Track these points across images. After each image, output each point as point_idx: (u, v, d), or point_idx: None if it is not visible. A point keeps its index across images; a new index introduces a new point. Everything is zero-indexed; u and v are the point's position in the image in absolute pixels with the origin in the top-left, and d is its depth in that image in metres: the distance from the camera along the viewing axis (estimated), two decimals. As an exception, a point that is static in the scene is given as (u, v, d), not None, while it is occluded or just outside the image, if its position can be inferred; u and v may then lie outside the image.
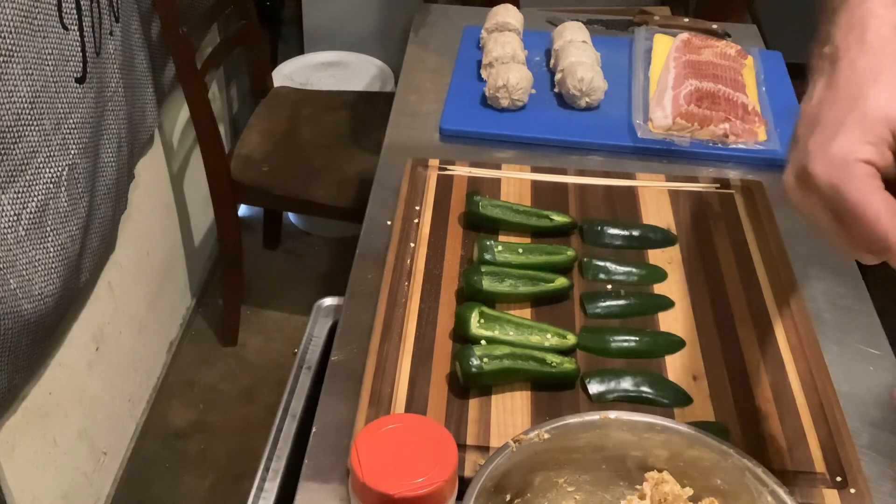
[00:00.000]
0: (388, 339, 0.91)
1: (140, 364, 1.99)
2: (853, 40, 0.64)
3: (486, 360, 0.85)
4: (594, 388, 0.87)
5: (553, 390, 0.87)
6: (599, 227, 1.06)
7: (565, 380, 0.87)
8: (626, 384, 0.87)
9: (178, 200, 2.14)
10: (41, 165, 1.30)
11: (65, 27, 1.33)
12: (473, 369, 0.84)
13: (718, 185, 1.15)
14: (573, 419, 0.75)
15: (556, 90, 1.37)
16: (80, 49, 1.38)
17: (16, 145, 1.23)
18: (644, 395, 0.87)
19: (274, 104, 2.17)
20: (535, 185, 1.14)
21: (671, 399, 0.86)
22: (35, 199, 1.29)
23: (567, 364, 0.87)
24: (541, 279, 0.97)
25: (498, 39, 1.39)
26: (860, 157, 0.60)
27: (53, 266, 1.35)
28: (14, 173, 1.24)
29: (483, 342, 0.88)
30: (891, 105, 0.61)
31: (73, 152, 1.38)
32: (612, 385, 0.87)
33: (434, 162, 1.16)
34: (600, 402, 0.86)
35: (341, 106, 2.17)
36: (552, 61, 1.42)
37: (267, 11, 2.63)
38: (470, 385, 0.86)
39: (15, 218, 1.25)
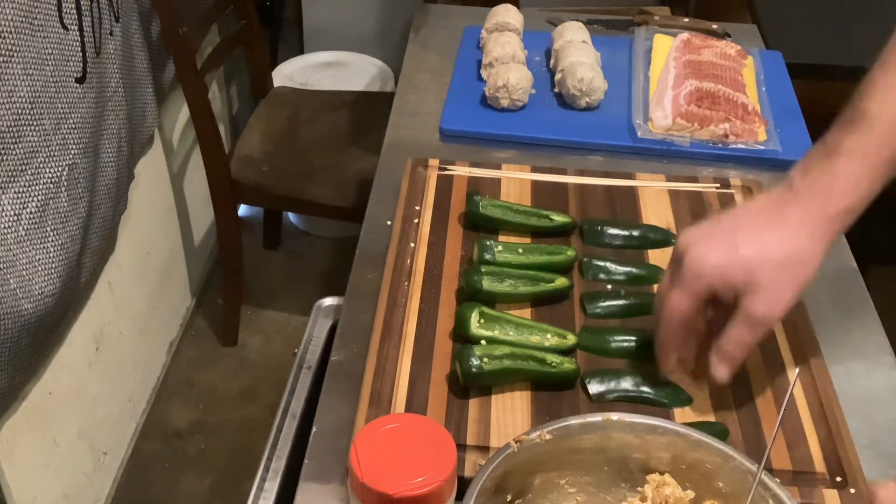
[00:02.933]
0: (388, 339, 0.91)
1: (140, 364, 1.99)
2: (814, 196, 0.77)
3: (486, 360, 0.85)
4: (594, 387, 0.87)
5: (553, 390, 0.87)
6: (599, 227, 1.06)
7: (565, 380, 0.87)
8: (626, 384, 0.87)
9: (178, 200, 2.14)
10: (41, 165, 1.30)
11: (65, 27, 1.33)
12: (474, 369, 0.84)
13: (718, 185, 1.15)
14: (575, 420, 0.75)
15: (556, 90, 1.37)
16: (80, 49, 1.38)
17: (16, 145, 1.23)
18: (644, 395, 0.87)
19: (274, 104, 2.17)
20: (535, 185, 1.14)
21: (671, 399, 0.86)
22: (35, 199, 1.29)
23: (567, 364, 0.87)
24: (541, 279, 0.97)
25: (498, 39, 1.39)
26: (708, 281, 0.77)
27: (53, 266, 1.35)
28: (14, 173, 1.24)
29: (483, 342, 0.88)
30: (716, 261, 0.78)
31: (73, 152, 1.38)
32: (612, 385, 0.87)
33: (434, 162, 1.16)
34: (600, 401, 0.86)
35: (341, 106, 2.17)
36: (552, 61, 1.42)
37: (267, 11, 2.63)
38: (470, 385, 0.86)
39: (15, 218, 1.25)
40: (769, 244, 0.76)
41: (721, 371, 0.80)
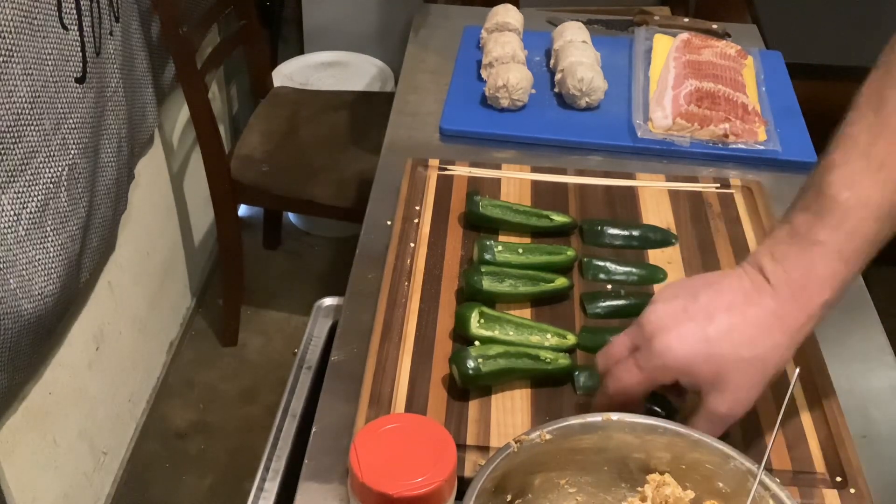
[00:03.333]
0: (388, 339, 0.91)
1: (140, 364, 1.99)
2: (788, 283, 0.73)
3: (481, 360, 0.85)
4: (581, 381, 0.87)
5: (551, 386, 0.87)
6: (599, 227, 1.06)
7: (560, 375, 0.87)
8: None
9: (178, 200, 2.14)
10: (41, 165, 1.30)
11: (65, 27, 1.33)
12: (471, 371, 0.84)
13: (718, 185, 1.15)
14: (575, 420, 0.75)
15: (556, 90, 1.37)
16: (79, 49, 1.38)
17: (16, 145, 1.23)
18: None
19: (274, 104, 2.17)
20: (535, 185, 1.14)
21: (657, 403, 0.86)
22: (35, 199, 1.29)
23: (562, 360, 0.87)
24: (541, 279, 0.97)
25: (498, 39, 1.39)
26: (671, 372, 0.75)
27: (53, 266, 1.35)
28: (14, 173, 1.24)
29: (477, 343, 0.88)
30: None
31: (73, 152, 1.38)
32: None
33: (434, 162, 1.16)
34: (587, 395, 0.86)
35: (341, 106, 2.17)
36: (552, 61, 1.42)
37: (267, 11, 2.63)
38: (468, 387, 0.86)
39: (15, 218, 1.25)
40: (742, 341, 0.72)
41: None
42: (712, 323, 0.73)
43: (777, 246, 0.74)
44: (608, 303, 0.97)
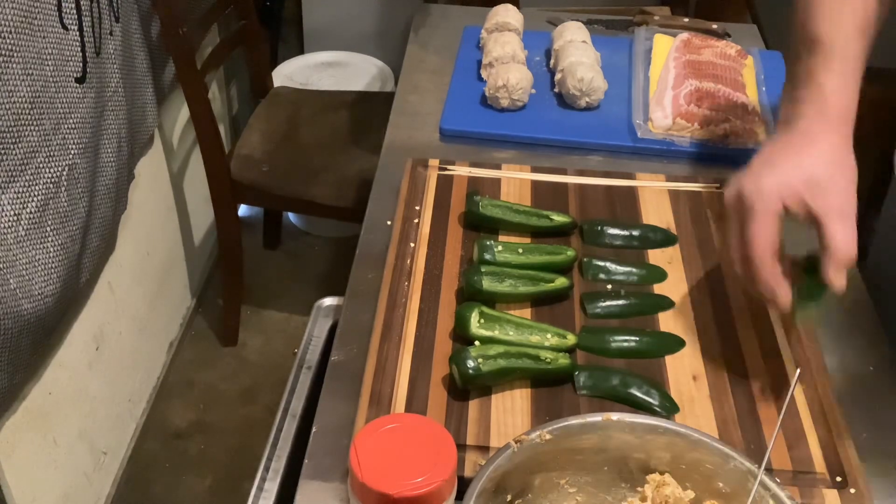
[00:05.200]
0: (388, 339, 0.91)
1: (140, 364, 1.99)
2: (813, 112, 0.86)
3: (481, 360, 0.85)
4: (581, 381, 0.87)
5: (551, 386, 0.87)
6: (599, 227, 1.06)
7: (561, 375, 0.87)
8: (615, 382, 0.87)
9: (178, 200, 2.14)
10: (41, 165, 1.30)
11: (65, 27, 1.33)
12: (471, 371, 0.84)
13: (718, 185, 1.15)
14: (575, 420, 0.75)
15: (556, 90, 1.37)
16: (80, 49, 1.38)
17: (16, 145, 1.23)
18: (631, 396, 0.86)
19: (274, 104, 2.17)
20: (535, 185, 1.14)
21: (658, 403, 0.86)
22: (35, 199, 1.29)
23: (562, 359, 0.87)
24: (541, 279, 0.97)
25: (498, 39, 1.39)
26: (776, 196, 0.82)
27: (53, 266, 1.35)
28: (14, 173, 1.24)
29: (477, 343, 0.88)
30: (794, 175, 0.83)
31: (73, 152, 1.38)
32: (601, 382, 0.87)
33: (434, 162, 1.16)
34: (588, 396, 0.86)
35: (341, 106, 2.17)
36: (552, 61, 1.42)
37: (267, 11, 2.63)
38: (468, 387, 0.86)
39: (15, 218, 1.25)
40: (811, 160, 0.83)
41: (841, 279, 0.81)
42: (777, 163, 0.84)
43: (787, 98, 0.90)
44: (608, 303, 0.97)
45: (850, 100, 0.86)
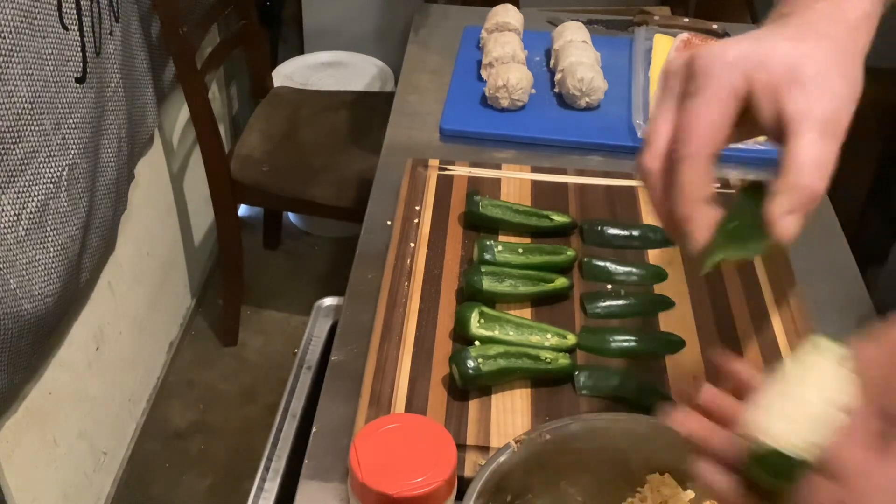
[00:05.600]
0: (388, 339, 0.91)
1: (140, 364, 1.99)
2: (824, 7, 0.62)
3: (481, 360, 0.85)
4: (581, 381, 0.87)
5: (552, 386, 0.87)
6: (599, 227, 1.06)
7: (561, 375, 0.87)
8: (615, 382, 0.87)
9: (178, 200, 2.14)
10: (41, 165, 1.30)
11: (65, 27, 1.33)
12: (471, 371, 0.84)
13: (718, 185, 1.15)
14: (575, 420, 0.75)
15: (556, 90, 1.37)
16: (80, 49, 1.38)
17: (16, 145, 1.23)
18: (631, 396, 0.86)
19: (274, 104, 2.17)
20: (535, 185, 1.14)
21: (657, 404, 0.86)
22: (35, 199, 1.29)
23: (562, 359, 0.87)
24: (541, 279, 0.97)
25: (498, 39, 1.39)
26: (740, 71, 0.57)
27: (53, 266, 1.35)
28: (14, 173, 1.24)
29: (477, 343, 0.88)
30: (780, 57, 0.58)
31: (73, 152, 1.38)
32: (601, 382, 0.87)
33: (434, 162, 1.16)
34: (588, 396, 0.86)
35: (341, 106, 2.17)
36: (552, 61, 1.42)
37: (267, 11, 2.63)
38: (468, 387, 0.86)
39: (15, 218, 1.25)
40: (805, 48, 0.58)
41: (788, 221, 0.55)
42: (762, 38, 0.60)
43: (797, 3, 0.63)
44: (608, 303, 0.97)
45: (870, 29, 0.62)
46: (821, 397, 0.50)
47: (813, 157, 0.54)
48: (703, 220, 0.57)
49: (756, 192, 0.59)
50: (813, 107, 0.55)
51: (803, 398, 0.50)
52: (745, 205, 0.58)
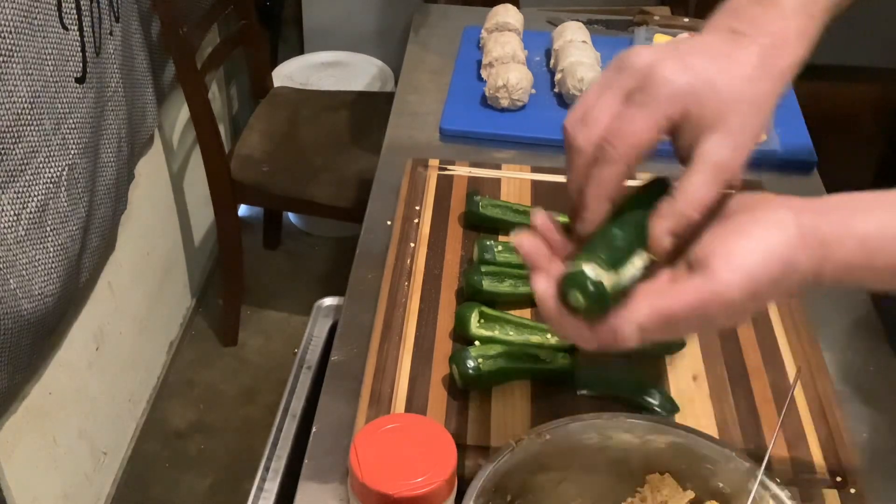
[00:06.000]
0: (388, 339, 0.91)
1: (140, 364, 1.99)
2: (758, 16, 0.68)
3: (481, 360, 0.85)
4: (581, 381, 0.87)
5: (552, 386, 0.87)
6: (599, 227, 1.06)
7: (560, 374, 0.87)
8: (615, 382, 0.87)
9: (178, 200, 2.14)
10: (41, 165, 1.30)
11: (65, 27, 1.33)
12: (471, 371, 0.84)
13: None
14: (575, 420, 0.75)
15: (556, 90, 1.37)
16: (80, 49, 1.38)
17: (16, 145, 1.23)
18: (631, 396, 0.86)
19: (274, 104, 2.17)
20: (535, 185, 1.14)
21: (658, 403, 0.86)
22: (35, 199, 1.29)
23: (561, 360, 0.87)
24: (541, 279, 0.97)
25: (498, 39, 1.39)
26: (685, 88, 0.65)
27: (53, 266, 1.35)
28: (14, 173, 1.24)
29: (477, 343, 0.88)
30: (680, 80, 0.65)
31: (73, 152, 1.38)
32: (601, 382, 0.87)
33: (434, 162, 1.16)
34: (588, 395, 0.86)
35: (341, 106, 2.17)
36: (552, 61, 1.42)
37: (267, 11, 2.63)
38: (468, 387, 0.86)
39: (15, 218, 1.25)
40: (743, 77, 0.66)
41: (666, 241, 0.63)
42: (711, 59, 0.66)
43: (741, 10, 0.70)
44: (608, 303, 0.97)
45: (809, 45, 0.68)
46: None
47: (701, 195, 0.63)
48: (599, 216, 0.66)
49: (651, 190, 0.68)
50: (721, 153, 0.64)
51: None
52: (629, 218, 0.66)
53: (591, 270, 0.61)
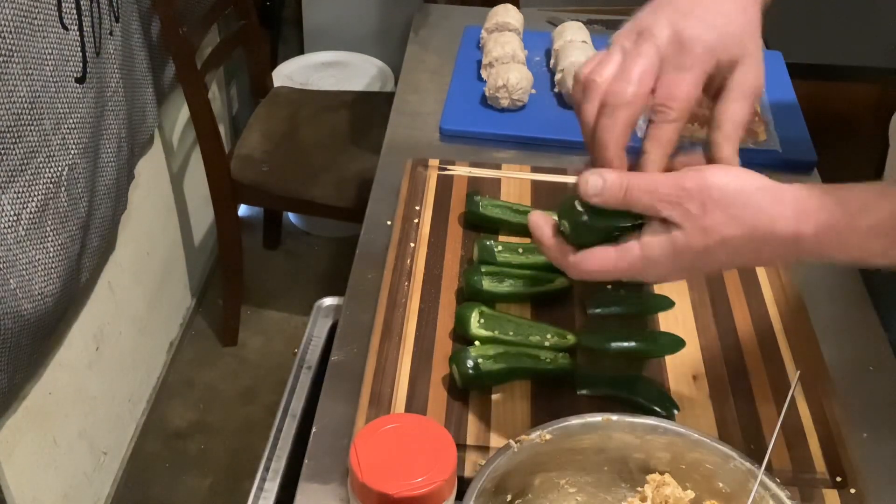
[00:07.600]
0: (388, 339, 0.91)
1: (140, 364, 1.99)
2: None
3: (481, 360, 0.85)
4: (581, 382, 0.87)
5: (552, 386, 0.87)
6: (599, 227, 1.06)
7: (561, 375, 0.87)
8: (615, 382, 0.87)
9: (178, 200, 2.14)
10: (41, 165, 1.30)
11: (65, 27, 1.33)
12: (471, 371, 0.84)
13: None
14: (575, 420, 0.75)
15: (556, 90, 1.37)
16: (80, 49, 1.38)
17: (16, 145, 1.23)
18: (631, 396, 0.86)
19: (274, 104, 2.17)
20: (535, 185, 1.14)
21: (658, 403, 0.86)
22: (35, 199, 1.29)
23: (561, 359, 0.87)
24: (541, 279, 0.97)
25: (498, 39, 1.39)
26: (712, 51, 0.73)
27: (53, 266, 1.35)
28: (14, 173, 1.24)
29: (477, 343, 0.88)
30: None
31: (73, 152, 1.38)
32: (601, 382, 0.87)
33: (434, 162, 1.16)
34: (588, 394, 0.86)
35: (341, 106, 2.17)
36: (552, 61, 1.42)
37: (267, 11, 2.63)
38: (468, 387, 0.86)
39: (15, 218, 1.25)
40: (740, 14, 0.74)
41: (731, 149, 0.75)
42: (712, 4, 0.74)
43: None
44: (608, 303, 0.97)
45: None
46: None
47: (741, 116, 0.74)
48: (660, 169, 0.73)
49: None
50: (751, 80, 0.74)
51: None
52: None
53: (579, 204, 0.69)
